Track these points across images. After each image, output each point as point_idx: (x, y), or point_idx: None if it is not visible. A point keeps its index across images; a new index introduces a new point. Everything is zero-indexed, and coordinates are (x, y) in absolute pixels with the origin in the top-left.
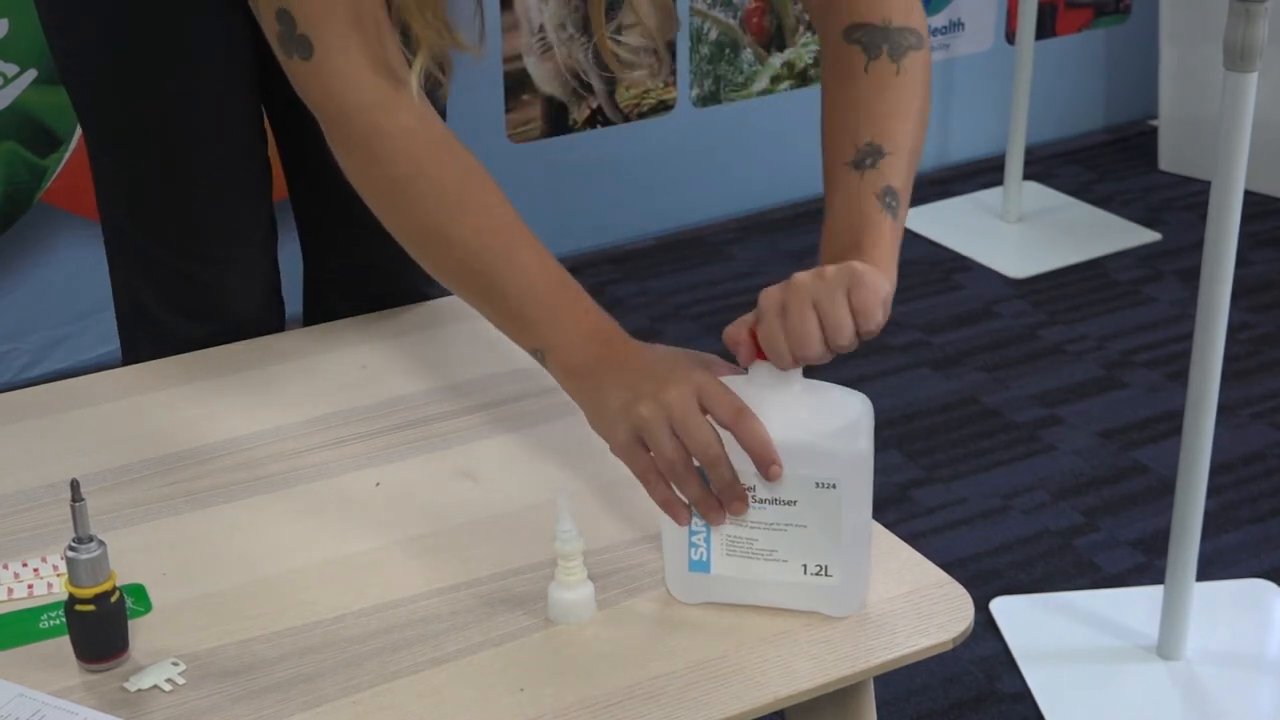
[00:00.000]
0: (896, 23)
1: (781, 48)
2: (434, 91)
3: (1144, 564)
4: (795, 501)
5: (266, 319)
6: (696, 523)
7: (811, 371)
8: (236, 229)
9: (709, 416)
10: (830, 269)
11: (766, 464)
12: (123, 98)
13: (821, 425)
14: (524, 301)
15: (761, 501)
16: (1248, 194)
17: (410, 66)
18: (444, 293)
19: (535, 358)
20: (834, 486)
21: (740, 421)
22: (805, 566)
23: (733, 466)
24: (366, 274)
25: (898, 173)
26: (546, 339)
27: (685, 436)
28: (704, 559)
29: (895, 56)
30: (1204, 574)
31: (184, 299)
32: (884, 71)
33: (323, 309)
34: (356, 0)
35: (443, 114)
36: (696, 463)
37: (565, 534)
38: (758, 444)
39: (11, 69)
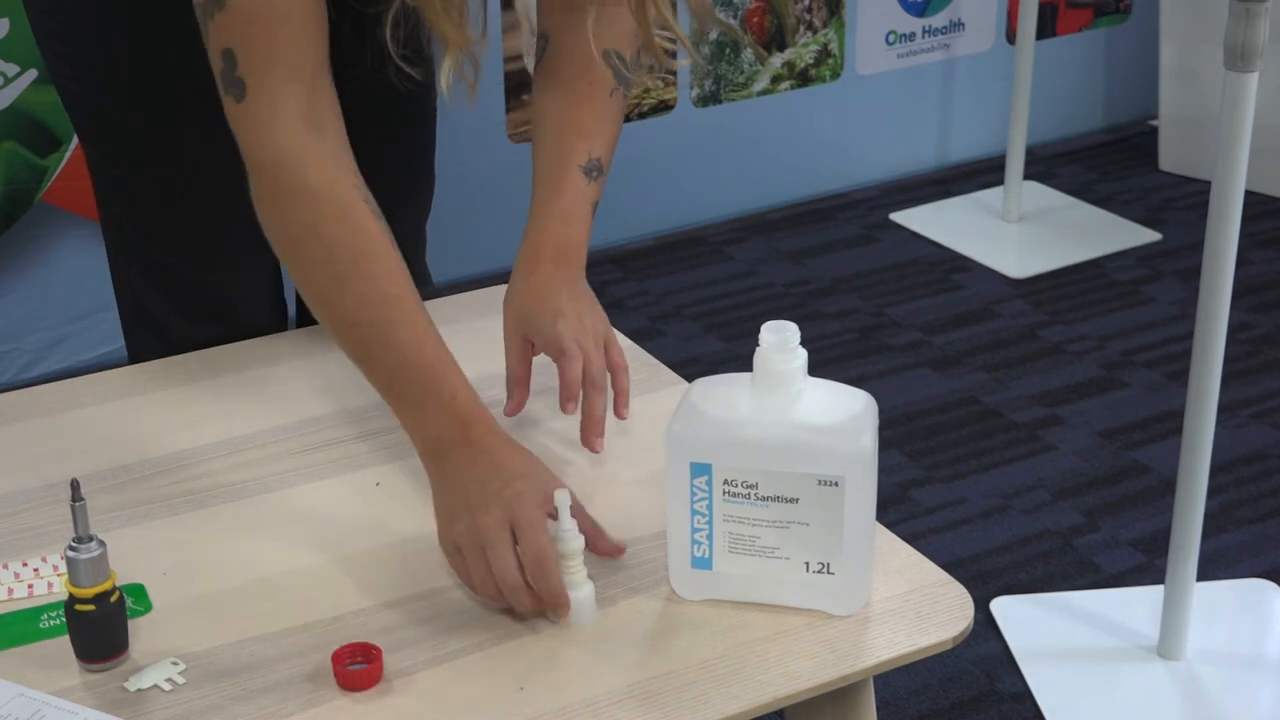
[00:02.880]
0: (631, 58)
1: (782, 48)
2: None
3: (1144, 564)
4: (798, 499)
5: (269, 322)
6: (699, 520)
7: (813, 371)
8: (238, 233)
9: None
10: (618, 354)
11: (555, 609)
12: (124, 103)
13: (825, 422)
14: (393, 378)
15: (765, 499)
16: (1248, 194)
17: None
18: (442, 294)
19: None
20: (837, 484)
21: (535, 569)
22: (807, 564)
23: (534, 597)
24: None
25: (600, 192)
26: (406, 417)
27: (492, 562)
28: (706, 556)
29: (626, 91)
30: (1204, 574)
31: (187, 302)
32: (619, 103)
33: None
34: (299, 49)
35: (431, 109)
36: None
37: (565, 534)
38: (548, 593)
39: (12, 69)
